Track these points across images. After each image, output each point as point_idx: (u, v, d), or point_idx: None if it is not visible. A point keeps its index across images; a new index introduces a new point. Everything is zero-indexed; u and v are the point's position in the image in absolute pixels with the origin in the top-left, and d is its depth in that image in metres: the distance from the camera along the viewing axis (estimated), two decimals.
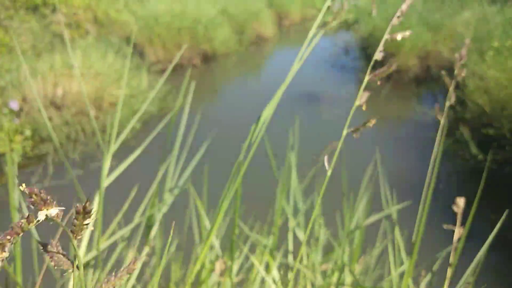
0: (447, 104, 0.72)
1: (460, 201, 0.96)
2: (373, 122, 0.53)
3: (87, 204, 0.25)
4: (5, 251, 0.24)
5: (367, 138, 4.83)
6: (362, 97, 0.55)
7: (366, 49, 7.07)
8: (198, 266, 1.09)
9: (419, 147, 4.48)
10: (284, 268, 1.44)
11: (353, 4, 11.27)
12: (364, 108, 0.56)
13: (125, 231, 0.92)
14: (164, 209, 0.92)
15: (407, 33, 0.55)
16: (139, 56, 6.72)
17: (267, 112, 0.65)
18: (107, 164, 0.67)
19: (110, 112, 4.83)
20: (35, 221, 0.24)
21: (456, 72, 0.71)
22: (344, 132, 0.63)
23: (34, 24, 6.43)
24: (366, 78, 0.63)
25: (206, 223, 1.13)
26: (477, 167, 4.05)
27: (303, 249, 1.38)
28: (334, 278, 1.30)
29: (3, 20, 6.22)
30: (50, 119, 4.56)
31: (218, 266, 1.21)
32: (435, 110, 0.83)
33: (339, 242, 1.40)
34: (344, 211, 1.46)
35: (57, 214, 0.24)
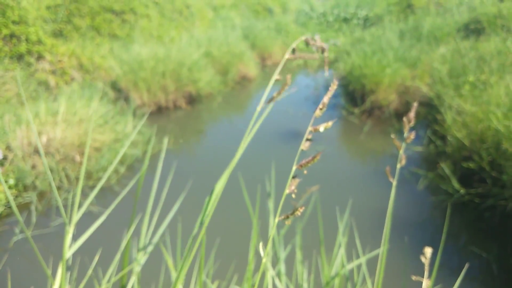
0: (398, 166, 0.76)
1: (428, 252, 0.99)
2: (300, 210, 0.57)
3: None
4: None
5: (350, 172, 4.88)
6: (291, 185, 0.58)
7: (346, 86, 7.25)
8: None
9: (400, 181, 4.54)
10: None
11: (332, 43, 11.63)
12: (293, 196, 0.59)
13: None
14: (137, 269, 0.93)
15: (330, 123, 0.60)
16: (124, 100, 6.79)
17: (219, 186, 0.69)
18: (69, 236, 0.68)
19: (95, 157, 4.83)
20: None
21: (405, 135, 0.76)
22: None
23: (19, 72, 6.49)
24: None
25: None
26: (460, 201, 4.11)
27: None
28: None
29: None
30: (34, 166, 4.54)
31: None
32: (396, 143, 0.87)
33: None
34: (322, 260, 1.47)
35: None
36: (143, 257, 0.95)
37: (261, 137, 5.83)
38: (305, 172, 0.62)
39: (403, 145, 0.76)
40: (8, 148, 4.83)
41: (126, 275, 0.96)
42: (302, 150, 0.65)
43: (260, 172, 4.47)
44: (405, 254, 3.22)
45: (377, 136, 6.02)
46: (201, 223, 0.68)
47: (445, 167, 4.48)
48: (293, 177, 0.58)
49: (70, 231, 0.70)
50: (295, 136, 5.88)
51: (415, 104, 0.78)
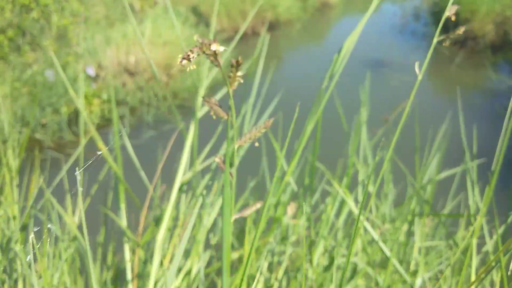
0: None
1: None
2: (462, 29, 0.54)
3: (240, 59, 0.30)
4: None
5: (439, 105, 4.64)
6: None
7: (438, 14, 6.69)
8: (273, 201, 1.16)
9: (493, 117, 4.25)
10: (352, 219, 1.47)
11: None
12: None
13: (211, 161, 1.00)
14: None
15: None
16: (205, 25, 6.85)
17: (349, 42, 0.68)
18: (201, 92, 0.73)
19: (179, 79, 5.01)
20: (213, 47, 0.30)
21: None
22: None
23: None
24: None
25: (283, 161, 1.19)
26: None
27: (373, 199, 1.41)
28: (404, 227, 1.32)
29: None
30: (124, 84, 4.82)
31: (290, 208, 1.27)
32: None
33: (410, 196, 1.41)
34: (416, 166, 1.46)
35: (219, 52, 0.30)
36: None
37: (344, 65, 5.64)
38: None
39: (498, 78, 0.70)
40: (100, 67, 5.14)
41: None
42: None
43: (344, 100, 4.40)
44: None
45: (468, 69, 5.59)
46: (331, 77, 0.69)
47: None
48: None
49: (202, 90, 0.74)
50: (379, 66, 5.64)
51: None
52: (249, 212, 0.49)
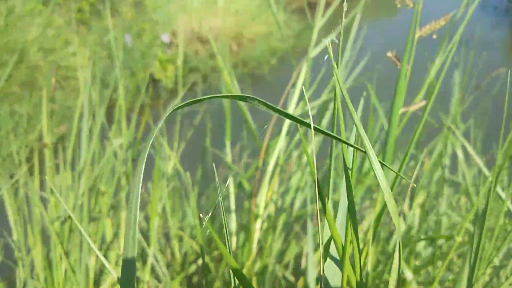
0: None
1: None
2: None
3: None
4: None
5: None
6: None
7: None
8: None
9: None
10: None
11: None
12: None
13: None
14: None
15: None
16: None
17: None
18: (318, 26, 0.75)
19: (249, 47, 5.05)
20: None
21: None
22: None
23: None
24: None
25: None
26: None
27: None
28: None
29: None
30: (196, 52, 4.94)
31: None
32: None
33: None
34: None
35: None
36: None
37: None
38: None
39: None
40: (173, 34, 5.29)
41: None
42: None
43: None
44: None
45: None
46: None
47: None
48: None
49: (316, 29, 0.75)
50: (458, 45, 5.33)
51: None
52: (415, 107, 0.50)
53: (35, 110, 3.55)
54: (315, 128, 0.29)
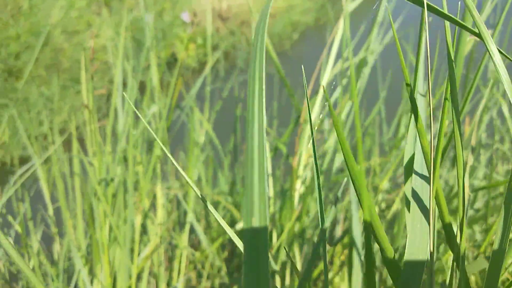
0: None
1: None
2: None
3: None
4: None
5: None
6: None
7: None
8: None
9: None
10: None
11: None
12: None
13: None
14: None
15: None
16: None
17: None
18: None
19: (270, 23, 4.98)
20: None
21: None
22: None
23: None
24: None
25: None
26: None
27: None
28: None
29: None
30: (217, 30, 4.91)
31: None
32: None
33: None
34: None
35: None
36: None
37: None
38: None
39: None
40: (193, 13, 5.25)
41: None
42: None
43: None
44: None
45: None
46: None
47: None
48: None
49: None
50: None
51: None
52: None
53: (62, 92, 3.60)
54: (429, 7, 0.27)
